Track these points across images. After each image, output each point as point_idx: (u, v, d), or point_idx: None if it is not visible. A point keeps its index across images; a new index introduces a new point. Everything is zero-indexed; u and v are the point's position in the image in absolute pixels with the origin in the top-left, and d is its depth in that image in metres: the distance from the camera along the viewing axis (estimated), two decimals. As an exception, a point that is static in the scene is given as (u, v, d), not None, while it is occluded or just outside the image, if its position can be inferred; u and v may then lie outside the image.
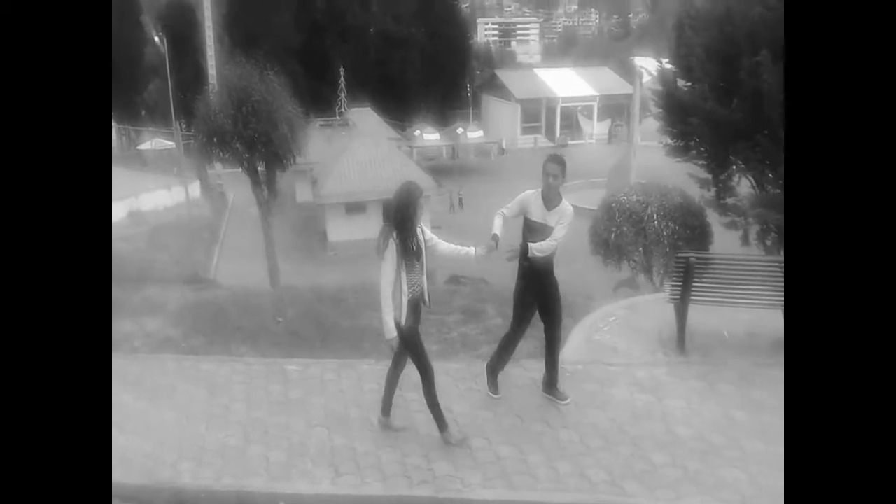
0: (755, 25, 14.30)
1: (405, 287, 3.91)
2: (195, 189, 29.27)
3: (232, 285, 7.81)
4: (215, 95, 13.71)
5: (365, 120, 34.26)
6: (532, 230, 4.30)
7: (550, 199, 4.27)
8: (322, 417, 4.49)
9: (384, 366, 5.22)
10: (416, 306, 4.03)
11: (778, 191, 14.13)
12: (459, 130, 38.20)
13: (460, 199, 29.32)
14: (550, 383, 4.62)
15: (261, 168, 13.76)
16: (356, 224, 25.05)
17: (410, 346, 4.10)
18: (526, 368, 5.11)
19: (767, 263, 6.44)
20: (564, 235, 4.30)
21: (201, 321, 6.84)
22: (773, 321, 5.47)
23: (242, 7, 40.61)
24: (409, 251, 3.90)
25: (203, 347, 6.12)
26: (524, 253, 4.38)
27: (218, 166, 24.92)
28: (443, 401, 4.64)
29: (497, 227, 4.29)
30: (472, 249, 4.16)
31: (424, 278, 4.05)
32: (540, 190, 4.30)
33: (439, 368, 5.22)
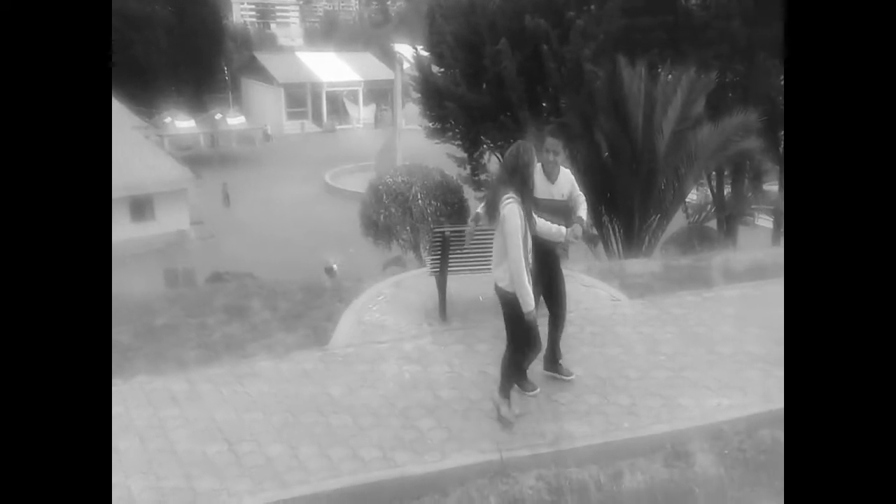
0: (494, 16, 15.69)
1: (529, 257, 3.72)
2: None
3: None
4: None
5: (103, 107, 29.86)
6: (539, 207, 4.10)
7: (551, 173, 4.28)
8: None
9: (155, 386, 4.63)
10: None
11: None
12: (218, 116, 35.46)
13: (227, 194, 26.45)
14: (553, 360, 4.57)
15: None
16: (101, 226, 21.90)
17: (527, 321, 3.73)
18: (296, 361, 4.96)
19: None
20: (584, 207, 4.33)
21: None
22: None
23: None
24: (531, 217, 3.70)
25: None
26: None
27: None
28: (205, 410, 4.28)
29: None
30: (563, 228, 4.04)
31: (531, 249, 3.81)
32: (540, 165, 4.18)
33: (200, 375, 4.81)
